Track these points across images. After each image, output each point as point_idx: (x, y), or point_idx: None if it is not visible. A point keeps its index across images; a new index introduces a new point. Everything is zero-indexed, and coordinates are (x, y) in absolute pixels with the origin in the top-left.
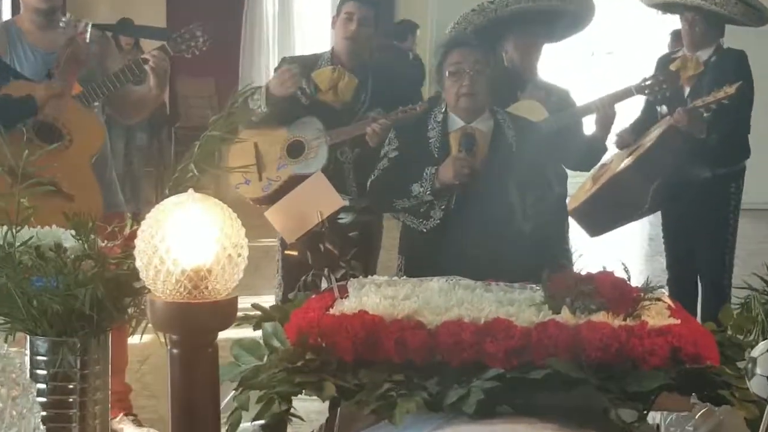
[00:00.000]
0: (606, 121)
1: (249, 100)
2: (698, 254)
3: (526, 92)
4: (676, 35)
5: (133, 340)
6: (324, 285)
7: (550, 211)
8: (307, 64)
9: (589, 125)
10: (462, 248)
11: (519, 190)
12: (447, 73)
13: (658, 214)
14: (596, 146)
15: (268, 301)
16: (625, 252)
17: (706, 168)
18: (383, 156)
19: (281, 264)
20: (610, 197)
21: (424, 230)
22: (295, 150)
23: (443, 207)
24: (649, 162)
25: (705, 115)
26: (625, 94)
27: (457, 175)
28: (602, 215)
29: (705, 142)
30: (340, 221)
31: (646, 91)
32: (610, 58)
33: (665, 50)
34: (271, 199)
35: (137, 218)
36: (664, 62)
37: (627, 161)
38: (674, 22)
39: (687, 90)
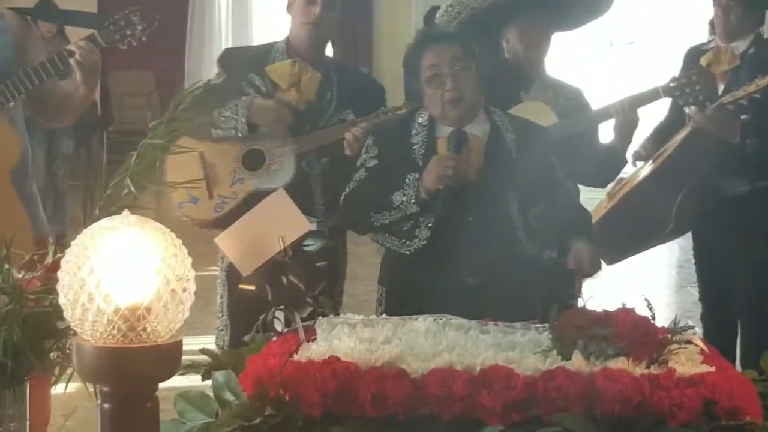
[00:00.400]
0: (627, 129)
1: (218, 116)
2: (736, 285)
3: (531, 92)
4: (713, 25)
5: (57, 390)
6: (279, 325)
7: (559, 228)
8: (257, 57)
9: (606, 132)
10: (453, 275)
11: (520, 201)
12: (424, 79)
13: (689, 236)
14: (614, 158)
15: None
16: (650, 283)
17: (744, 180)
18: (360, 165)
19: (226, 302)
20: (627, 215)
21: (408, 252)
22: (253, 161)
23: (430, 224)
24: (672, 169)
25: (742, 117)
26: (651, 96)
27: (440, 178)
28: (619, 238)
29: (741, 149)
30: (306, 249)
31: (676, 93)
32: (631, 49)
33: (694, 41)
34: (225, 221)
35: (62, 243)
36: (693, 55)
37: (646, 170)
38: (707, 8)
39: (721, 88)
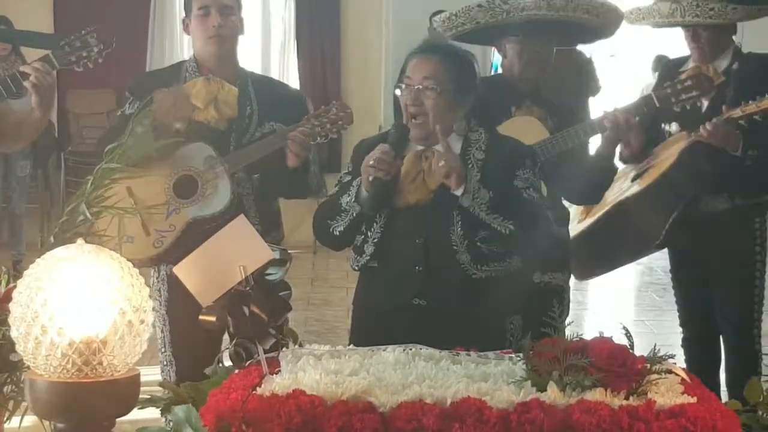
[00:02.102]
0: (623, 139)
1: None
2: (719, 308)
3: (522, 107)
4: (658, 61)
5: (11, 425)
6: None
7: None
8: (168, 79)
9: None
10: (401, 296)
11: (463, 222)
12: (396, 92)
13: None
14: (607, 172)
15: None
16: (628, 309)
17: (723, 196)
18: (337, 182)
19: (168, 336)
20: (613, 229)
21: (356, 268)
22: (185, 188)
23: (375, 239)
24: (668, 184)
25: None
26: (645, 104)
27: (366, 169)
28: (600, 252)
29: (732, 163)
30: (268, 278)
31: (672, 99)
32: (612, 62)
33: (675, 53)
34: (169, 255)
35: (18, 270)
36: (671, 74)
37: (636, 186)
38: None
39: (705, 104)
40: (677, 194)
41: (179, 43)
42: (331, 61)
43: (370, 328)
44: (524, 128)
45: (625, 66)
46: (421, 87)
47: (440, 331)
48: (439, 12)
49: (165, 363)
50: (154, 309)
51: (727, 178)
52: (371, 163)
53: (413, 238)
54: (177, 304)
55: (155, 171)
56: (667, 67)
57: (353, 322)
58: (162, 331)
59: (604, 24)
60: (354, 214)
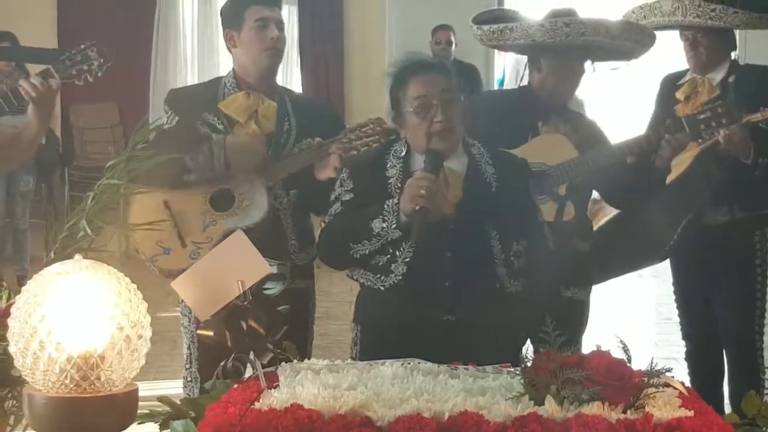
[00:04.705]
0: (672, 157)
1: (190, 161)
2: (721, 321)
3: (549, 123)
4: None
5: None
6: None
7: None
8: (205, 94)
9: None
10: (429, 313)
11: (500, 236)
12: (410, 109)
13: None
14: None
15: None
16: (631, 322)
17: (725, 209)
18: (334, 200)
19: (195, 353)
20: (622, 234)
21: (383, 288)
22: (222, 201)
23: (407, 259)
24: (680, 190)
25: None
26: (675, 128)
27: (413, 198)
28: (608, 258)
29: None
30: (266, 292)
31: (702, 126)
32: (614, 75)
33: (676, 67)
34: None
35: (23, 283)
36: (668, 85)
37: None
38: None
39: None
40: (689, 202)
41: (182, 60)
42: (334, 74)
43: (388, 347)
44: (553, 146)
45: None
46: (445, 101)
47: (467, 347)
48: (481, 14)
49: (189, 379)
50: (182, 325)
51: (729, 189)
52: (422, 193)
53: (442, 253)
54: None
55: (193, 186)
56: (664, 81)
57: (362, 341)
58: (189, 348)
59: (643, 50)
60: (389, 239)
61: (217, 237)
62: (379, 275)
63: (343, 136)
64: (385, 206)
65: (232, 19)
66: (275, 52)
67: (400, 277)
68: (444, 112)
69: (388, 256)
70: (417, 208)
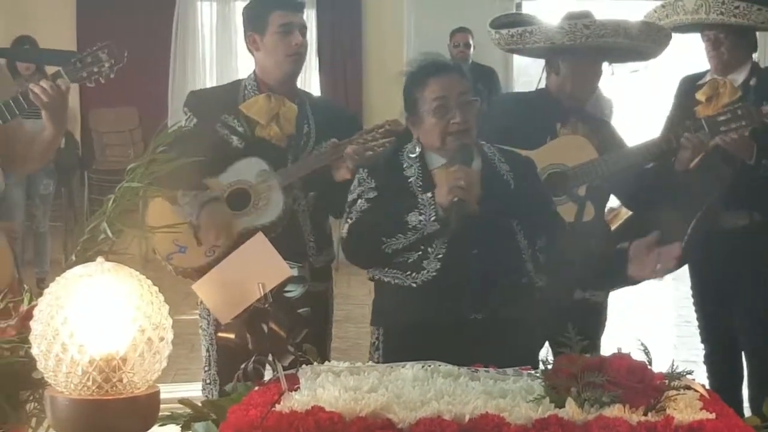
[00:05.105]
0: (693, 159)
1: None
2: (739, 325)
3: (568, 125)
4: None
5: None
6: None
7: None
8: (226, 96)
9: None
10: (457, 311)
11: (525, 232)
12: (428, 110)
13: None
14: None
15: None
16: (650, 325)
17: (743, 213)
18: (357, 197)
19: (214, 355)
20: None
21: (414, 285)
22: (238, 201)
23: (439, 256)
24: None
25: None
26: (693, 129)
27: (452, 189)
28: None
29: (749, 175)
30: (287, 295)
31: (722, 128)
32: (634, 78)
33: (695, 70)
34: None
35: (42, 285)
36: (688, 87)
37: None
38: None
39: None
40: (696, 202)
41: (201, 63)
42: (353, 78)
43: (412, 349)
44: (573, 147)
45: (646, 83)
46: (463, 102)
47: (494, 346)
48: (498, 19)
49: (208, 381)
50: (201, 328)
51: (744, 190)
52: (462, 184)
53: (470, 249)
54: None
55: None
56: (683, 82)
57: (385, 344)
58: (208, 351)
59: (660, 49)
60: (425, 233)
61: (232, 236)
62: (409, 272)
63: (359, 137)
64: (420, 200)
65: (255, 22)
66: (298, 58)
67: (435, 274)
68: (461, 113)
69: (419, 252)
70: (455, 199)
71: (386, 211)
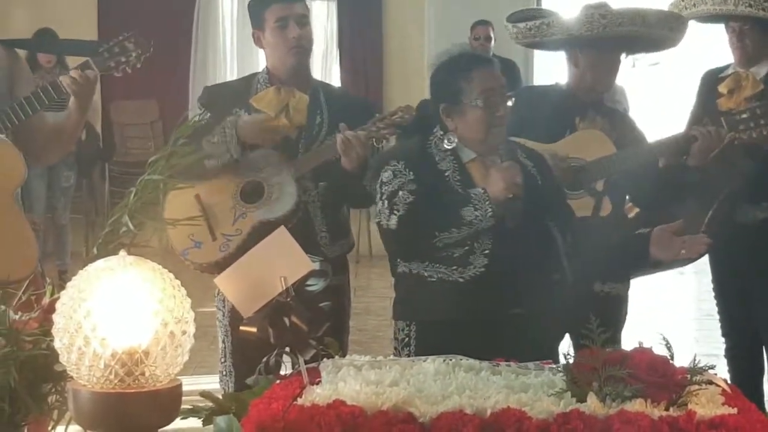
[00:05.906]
0: (708, 154)
1: (207, 144)
2: (760, 319)
3: (586, 119)
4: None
5: None
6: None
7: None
8: (238, 90)
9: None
10: (500, 306)
11: (558, 226)
12: (476, 101)
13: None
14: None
15: None
16: (671, 318)
17: (762, 206)
18: (398, 189)
19: (229, 347)
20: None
21: (461, 280)
22: (252, 193)
23: (486, 251)
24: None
25: None
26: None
27: (510, 186)
28: None
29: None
30: (308, 289)
31: (741, 126)
32: (654, 70)
33: (717, 63)
34: (233, 260)
35: (63, 279)
36: (710, 80)
37: None
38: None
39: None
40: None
41: (222, 56)
42: (373, 70)
43: (447, 343)
44: (591, 142)
45: (667, 75)
46: (503, 96)
47: (536, 340)
48: (515, 13)
49: (224, 373)
50: (217, 319)
51: (765, 183)
52: (518, 181)
53: (513, 245)
54: (240, 315)
55: (222, 178)
56: (706, 76)
57: (418, 339)
58: (223, 342)
59: (678, 37)
60: (479, 228)
61: (246, 229)
62: (455, 267)
63: (371, 125)
64: (473, 195)
65: (255, 20)
66: (300, 50)
67: (482, 269)
68: (504, 107)
69: (466, 247)
70: (510, 195)
71: (437, 205)
